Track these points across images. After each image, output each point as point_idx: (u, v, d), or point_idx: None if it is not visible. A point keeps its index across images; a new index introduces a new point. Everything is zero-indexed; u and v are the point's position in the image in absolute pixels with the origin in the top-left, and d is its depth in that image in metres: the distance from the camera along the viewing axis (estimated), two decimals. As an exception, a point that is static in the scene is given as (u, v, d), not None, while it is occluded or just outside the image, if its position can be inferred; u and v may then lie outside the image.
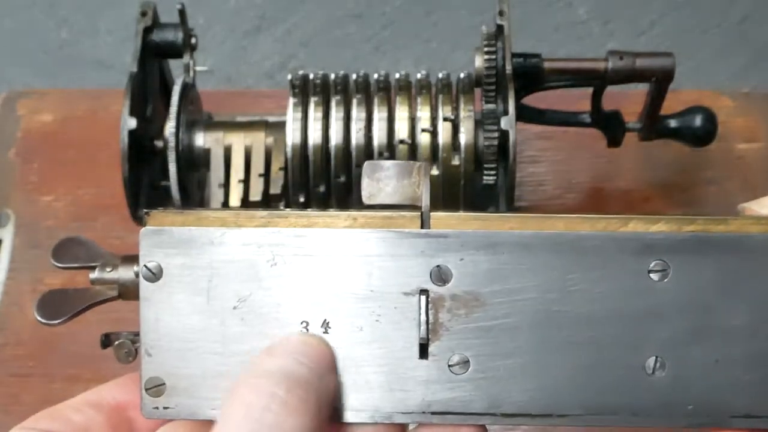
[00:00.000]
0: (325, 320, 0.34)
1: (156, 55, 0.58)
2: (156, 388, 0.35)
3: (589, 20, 1.11)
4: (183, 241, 0.34)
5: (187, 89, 0.57)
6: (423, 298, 0.34)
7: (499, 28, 0.56)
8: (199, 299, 0.34)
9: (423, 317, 0.34)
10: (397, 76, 0.58)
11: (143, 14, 0.57)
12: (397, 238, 0.34)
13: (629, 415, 0.34)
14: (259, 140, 0.58)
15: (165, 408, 0.35)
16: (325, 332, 0.34)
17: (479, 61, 0.56)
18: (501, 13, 0.56)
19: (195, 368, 0.35)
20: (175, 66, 0.60)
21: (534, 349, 0.34)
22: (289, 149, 0.55)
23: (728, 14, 1.10)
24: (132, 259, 0.36)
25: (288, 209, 0.36)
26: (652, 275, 0.33)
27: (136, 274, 0.35)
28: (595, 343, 0.34)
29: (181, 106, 0.56)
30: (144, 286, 0.34)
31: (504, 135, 0.53)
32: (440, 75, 0.57)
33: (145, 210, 0.35)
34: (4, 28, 1.10)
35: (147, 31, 0.57)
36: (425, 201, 0.34)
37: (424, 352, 0.34)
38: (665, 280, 0.33)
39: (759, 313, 0.33)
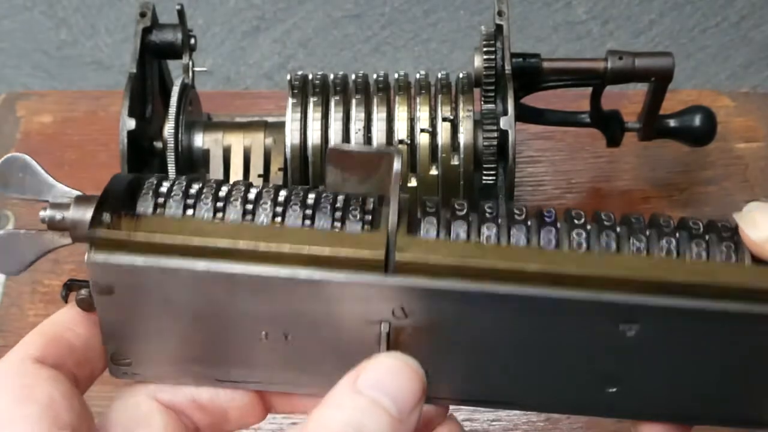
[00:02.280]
0: (285, 333, 0.33)
1: (155, 56, 0.58)
2: (121, 361, 0.35)
3: (589, 20, 1.11)
4: (133, 270, 0.32)
5: (187, 90, 0.57)
6: (384, 328, 0.33)
7: (498, 28, 0.56)
8: (154, 313, 0.33)
9: (383, 346, 0.33)
10: (396, 76, 0.58)
11: (142, 15, 0.57)
12: (358, 285, 0.32)
13: (579, 410, 0.36)
14: (258, 141, 0.58)
15: (134, 374, 0.35)
16: (286, 340, 0.33)
17: (478, 61, 0.56)
18: (500, 13, 0.56)
19: (158, 356, 0.35)
20: (174, 67, 0.60)
21: (494, 364, 0.34)
22: (288, 150, 0.55)
23: (727, 14, 1.10)
24: (85, 200, 0.33)
25: (245, 223, 0.33)
26: (620, 326, 0.33)
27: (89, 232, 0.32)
28: (554, 368, 0.34)
29: (180, 107, 0.56)
30: (97, 297, 0.33)
31: (503, 135, 0.53)
32: (439, 75, 0.57)
33: (90, 234, 0.32)
34: (3, 29, 1.11)
35: (146, 31, 0.57)
36: (392, 211, 0.32)
37: None
38: (632, 333, 0.33)
39: (713, 364, 0.34)
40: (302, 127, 0.56)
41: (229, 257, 0.32)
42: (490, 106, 0.56)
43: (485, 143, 0.54)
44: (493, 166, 0.55)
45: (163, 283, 0.32)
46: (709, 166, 0.65)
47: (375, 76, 0.58)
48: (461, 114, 0.55)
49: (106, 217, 0.32)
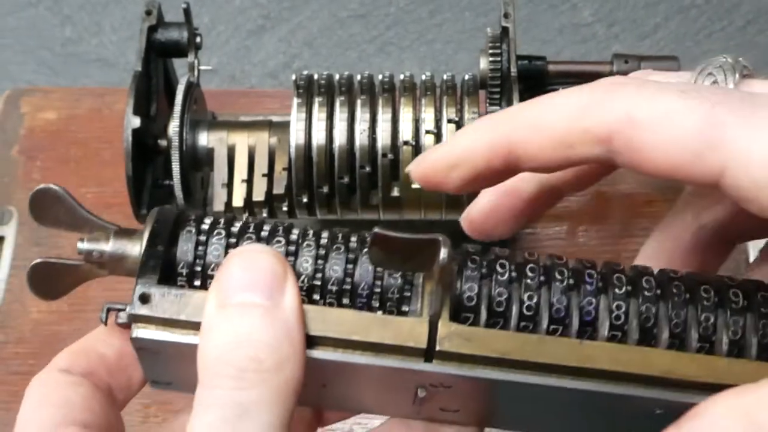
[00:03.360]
0: (323, 384, 0.34)
1: (160, 54, 0.58)
2: (161, 384, 0.35)
3: (594, 23, 1.11)
4: (176, 347, 0.32)
5: (192, 88, 0.57)
6: (421, 392, 0.33)
7: (504, 30, 0.56)
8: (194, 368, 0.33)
9: (415, 406, 0.34)
10: (402, 77, 0.58)
11: (148, 13, 0.57)
12: (396, 373, 0.32)
13: None
14: (262, 140, 0.58)
15: (175, 389, 0.36)
16: (324, 386, 0.34)
17: (484, 63, 0.56)
18: (506, 15, 0.56)
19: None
20: (179, 65, 0.60)
21: (525, 420, 0.35)
22: (292, 149, 0.55)
23: (733, 18, 1.10)
24: (125, 233, 0.34)
25: None
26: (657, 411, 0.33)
27: (131, 262, 0.33)
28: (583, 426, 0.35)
29: (185, 105, 0.56)
30: (139, 354, 0.33)
31: (508, 137, 0.53)
32: (445, 76, 0.57)
33: (132, 313, 0.32)
34: (7, 26, 1.10)
35: (151, 30, 0.57)
36: (435, 301, 0.32)
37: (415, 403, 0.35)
38: (661, 411, 0.33)
39: None
40: (307, 126, 0.56)
41: None
42: (496, 107, 0.56)
43: (490, 145, 0.54)
44: (497, 168, 0.55)
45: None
46: (713, 170, 0.65)
47: (380, 76, 0.58)
48: (466, 116, 0.55)
49: (149, 291, 0.32)
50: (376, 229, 0.31)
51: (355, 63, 1.07)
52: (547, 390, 0.32)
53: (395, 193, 0.56)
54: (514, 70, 0.54)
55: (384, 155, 0.55)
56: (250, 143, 0.58)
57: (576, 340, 0.32)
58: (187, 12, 0.57)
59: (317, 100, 0.56)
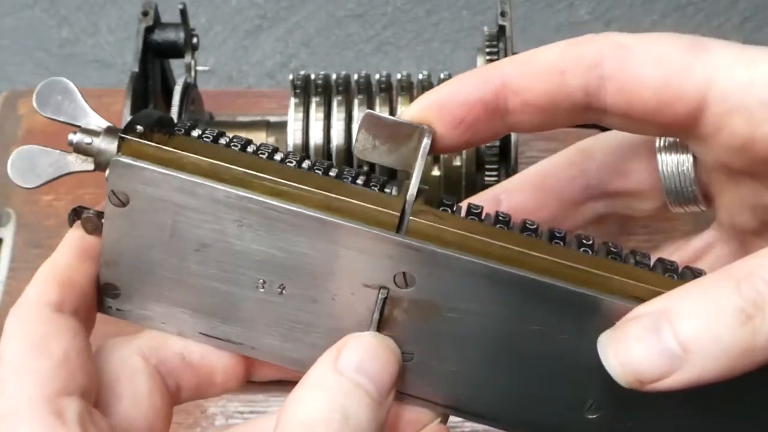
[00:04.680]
0: (281, 284, 0.34)
1: (157, 55, 0.58)
2: (111, 291, 0.35)
3: (591, 21, 1.11)
4: (154, 180, 0.32)
5: (189, 89, 0.57)
6: (382, 294, 0.33)
7: (501, 29, 0.56)
8: (161, 234, 0.33)
9: (376, 315, 0.33)
10: (399, 76, 0.58)
11: (145, 14, 0.57)
12: (368, 236, 0.32)
13: None
14: (260, 140, 0.58)
15: (118, 310, 0.35)
16: (281, 293, 0.34)
17: (481, 62, 0.56)
18: (503, 14, 0.56)
19: (150, 289, 0.35)
20: (176, 66, 0.60)
21: (479, 364, 0.34)
22: (290, 149, 0.55)
23: (730, 15, 1.10)
24: (116, 130, 0.34)
25: (271, 161, 0.34)
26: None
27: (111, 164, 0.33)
28: (539, 377, 0.34)
29: (182, 106, 0.56)
30: (110, 208, 0.33)
31: (505, 136, 0.53)
32: (442, 75, 0.57)
33: (122, 135, 0.33)
34: (4, 27, 1.11)
35: (148, 30, 0.57)
36: (414, 179, 0.32)
37: None
38: None
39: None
40: (304, 126, 0.56)
41: (250, 186, 0.32)
42: (493, 106, 0.56)
43: (487, 144, 0.54)
44: (495, 167, 0.55)
45: (178, 203, 0.33)
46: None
47: (377, 76, 0.58)
48: (463, 114, 0.55)
49: (140, 128, 0.33)
50: (368, 110, 0.32)
51: (352, 62, 1.08)
52: (514, 284, 0.32)
53: (393, 192, 0.56)
54: (511, 68, 0.55)
55: (382, 155, 0.55)
56: (247, 143, 0.58)
57: (546, 241, 0.33)
58: (183, 13, 0.57)
59: (314, 100, 0.56)
